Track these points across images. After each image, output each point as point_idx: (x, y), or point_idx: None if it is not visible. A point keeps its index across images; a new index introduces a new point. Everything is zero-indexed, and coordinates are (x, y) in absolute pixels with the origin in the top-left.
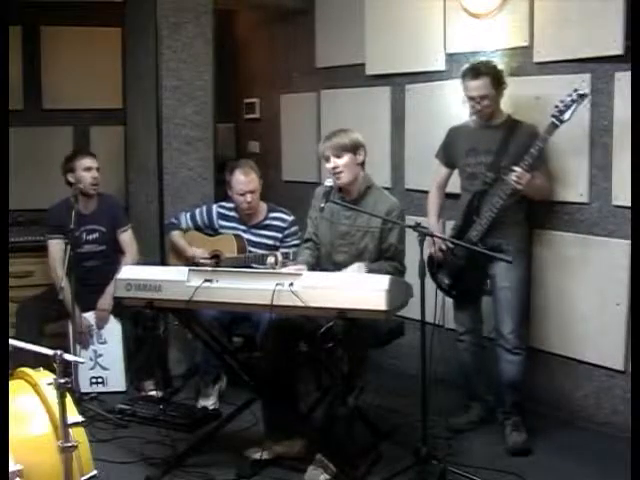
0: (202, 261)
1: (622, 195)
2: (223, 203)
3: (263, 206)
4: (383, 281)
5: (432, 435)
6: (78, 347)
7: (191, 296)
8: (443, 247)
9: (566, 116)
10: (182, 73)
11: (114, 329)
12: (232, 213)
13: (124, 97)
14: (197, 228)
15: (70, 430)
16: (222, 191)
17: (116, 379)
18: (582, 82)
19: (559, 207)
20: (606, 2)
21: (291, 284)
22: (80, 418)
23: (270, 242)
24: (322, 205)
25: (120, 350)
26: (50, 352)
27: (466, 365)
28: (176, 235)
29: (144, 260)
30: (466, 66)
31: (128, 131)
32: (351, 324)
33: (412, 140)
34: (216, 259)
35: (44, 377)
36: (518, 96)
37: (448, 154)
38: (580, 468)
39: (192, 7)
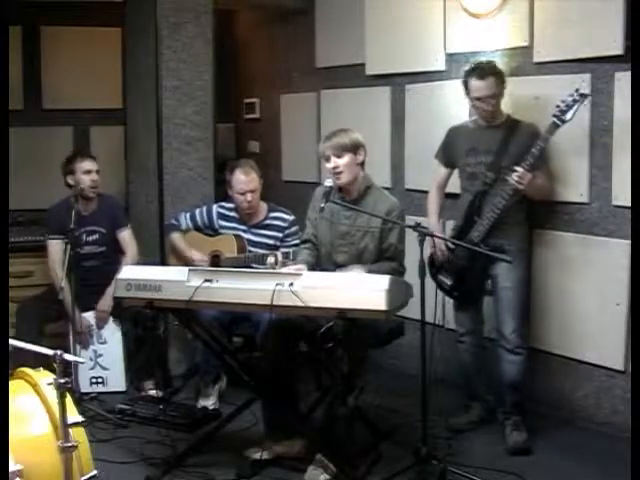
0: (201, 265)
1: (622, 195)
2: (223, 203)
3: (263, 206)
4: (383, 281)
5: (432, 435)
6: (78, 347)
7: (191, 296)
8: (443, 247)
9: (568, 116)
10: (182, 73)
11: (114, 329)
12: (232, 213)
13: (124, 97)
14: (197, 228)
15: (70, 430)
16: (222, 191)
17: (116, 379)
18: (582, 82)
19: (559, 207)
20: (606, 2)
21: (291, 284)
22: (80, 418)
23: (270, 242)
24: (322, 205)
25: (120, 350)
26: (50, 352)
27: (466, 365)
28: (176, 237)
29: (144, 260)
30: (469, 66)
31: (128, 131)
32: (351, 324)
33: (412, 140)
34: (216, 259)
35: (44, 377)
36: (518, 96)
37: (448, 154)
38: (580, 468)
39: (192, 7)
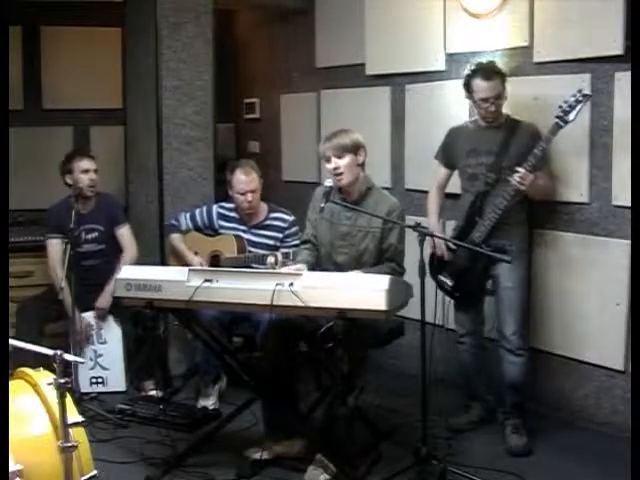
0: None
1: (622, 195)
2: (223, 203)
3: (263, 206)
4: (383, 281)
5: (432, 435)
6: (78, 347)
7: (191, 296)
8: (444, 247)
9: (571, 117)
10: (182, 73)
11: (114, 329)
12: (232, 213)
13: (124, 97)
14: (197, 229)
15: (70, 430)
16: (222, 191)
17: (116, 379)
18: (582, 82)
19: (559, 207)
20: (606, 2)
21: (291, 284)
22: (80, 418)
23: (270, 242)
24: (322, 205)
25: (120, 350)
26: (50, 352)
27: (466, 366)
28: (176, 239)
29: (144, 260)
30: (472, 67)
31: (128, 131)
32: (351, 324)
33: (412, 140)
34: (216, 260)
35: (44, 377)
36: (518, 96)
37: (448, 155)
38: (580, 468)
39: (192, 7)
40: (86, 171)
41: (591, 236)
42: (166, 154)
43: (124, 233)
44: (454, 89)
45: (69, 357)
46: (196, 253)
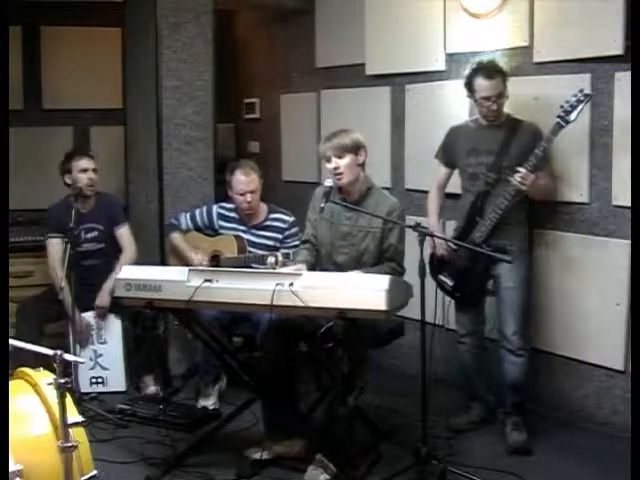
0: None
1: (622, 195)
2: (223, 204)
3: (263, 207)
4: (383, 281)
5: (432, 435)
6: (78, 347)
7: (191, 296)
8: (444, 247)
9: (572, 116)
10: (182, 73)
11: (114, 329)
12: (232, 214)
13: (124, 97)
14: (197, 229)
15: (70, 430)
16: (222, 191)
17: (116, 379)
18: (582, 82)
19: (559, 207)
20: (606, 2)
21: (291, 284)
22: (80, 418)
23: (270, 243)
24: (322, 205)
25: (120, 350)
26: (50, 352)
27: (467, 366)
28: (176, 237)
29: (144, 260)
30: (474, 66)
31: (128, 131)
32: (351, 324)
33: (412, 140)
34: (216, 260)
35: (44, 377)
36: (518, 96)
37: (448, 154)
38: (580, 468)
39: (192, 7)
40: (85, 170)
41: (591, 236)
42: (166, 154)
43: (123, 233)
44: (454, 89)
45: (69, 357)
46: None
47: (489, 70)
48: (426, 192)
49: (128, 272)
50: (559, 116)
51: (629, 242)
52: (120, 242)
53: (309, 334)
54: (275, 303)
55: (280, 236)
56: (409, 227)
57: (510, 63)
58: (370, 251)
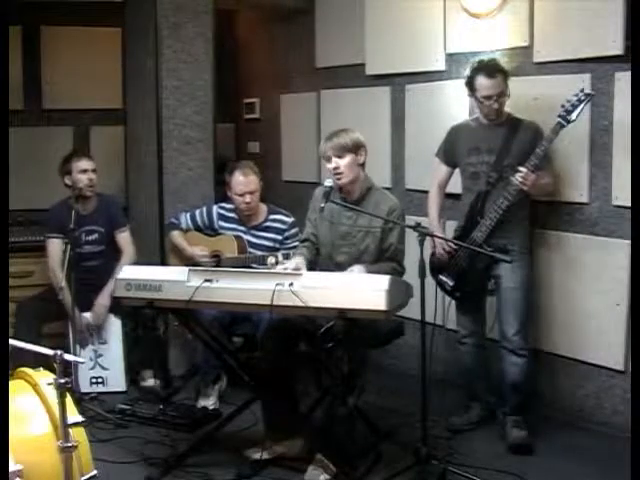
0: (202, 260)
1: (622, 195)
2: (223, 204)
3: (263, 208)
4: (383, 281)
5: (432, 435)
6: (78, 347)
7: (191, 296)
8: (445, 247)
9: (573, 116)
10: (182, 73)
11: (114, 329)
12: (232, 214)
13: (124, 97)
14: (197, 229)
15: (70, 430)
16: (222, 191)
17: (116, 379)
18: (582, 82)
19: (559, 207)
20: (606, 2)
21: (291, 284)
22: (80, 418)
23: (270, 244)
24: (322, 205)
25: (120, 350)
26: (50, 352)
27: (467, 366)
28: (176, 235)
29: (144, 260)
30: (474, 65)
31: (128, 131)
32: (351, 324)
33: (412, 140)
34: (216, 259)
35: (44, 377)
36: (518, 96)
37: (449, 153)
38: (580, 468)
39: (192, 7)
40: (84, 171)
41: (591, 236)
42: (166, 154)
43: (124, 236)
44: (454, 89)
45: (69, 357)
46: None
47: (490, 69)
48: (426, 192)
49: (128, 272)
50: (560, 115)
51: (629, 242)
52: (120, 245)
53: (309, 334)
54: (275, 303)
55: (280, 237)
56: (409, 227)
57: (510, 63)
58: (370, 251)
